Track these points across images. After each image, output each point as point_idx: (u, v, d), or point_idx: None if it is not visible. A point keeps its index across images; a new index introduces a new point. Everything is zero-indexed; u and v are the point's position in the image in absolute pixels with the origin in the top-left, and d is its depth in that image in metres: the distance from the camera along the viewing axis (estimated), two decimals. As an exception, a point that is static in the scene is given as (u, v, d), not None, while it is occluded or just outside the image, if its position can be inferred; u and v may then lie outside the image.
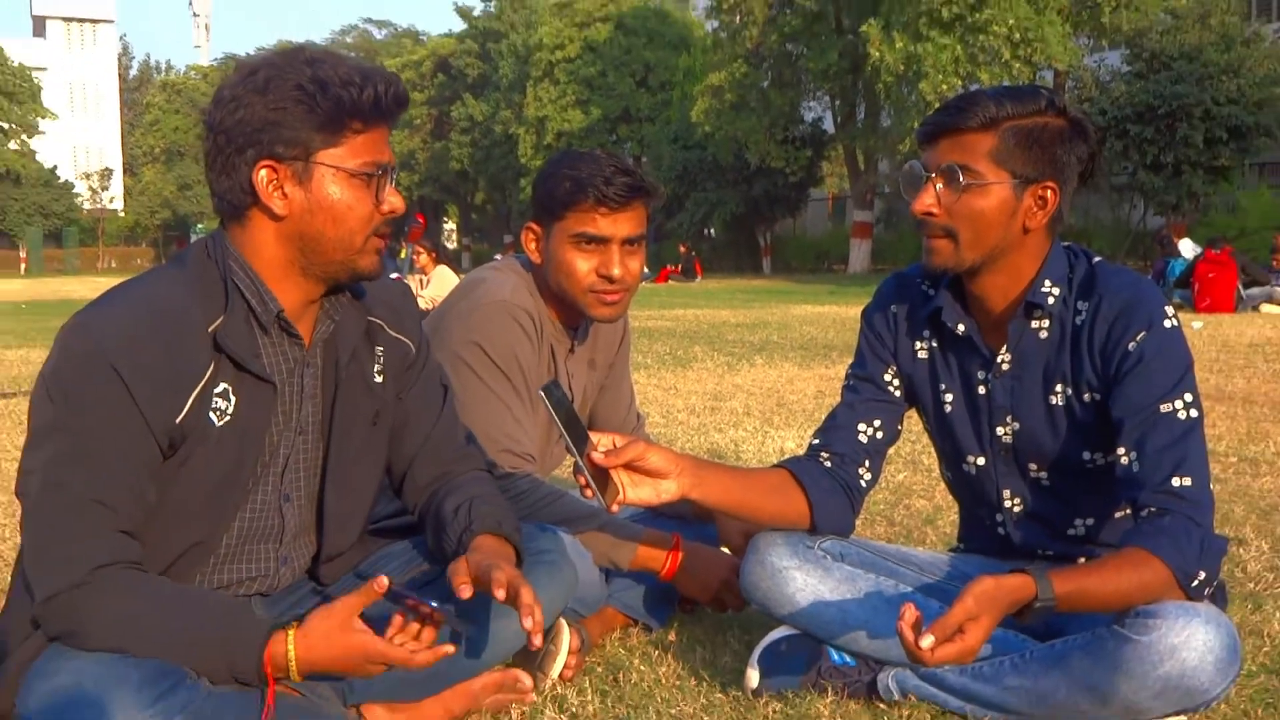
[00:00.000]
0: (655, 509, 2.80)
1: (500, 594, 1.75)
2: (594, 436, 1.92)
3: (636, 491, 1.97)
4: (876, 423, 2.26)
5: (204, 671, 1.71)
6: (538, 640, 1.77)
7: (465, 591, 1.77)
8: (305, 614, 1.74)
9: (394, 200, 1.83)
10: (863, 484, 2.27)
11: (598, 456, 1.89)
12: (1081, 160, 2.06)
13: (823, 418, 2.34)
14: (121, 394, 1.70)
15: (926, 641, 1.74)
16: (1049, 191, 2.04)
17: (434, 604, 1.73)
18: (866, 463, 2.26)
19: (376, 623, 1.74)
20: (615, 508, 1.91)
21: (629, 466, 1.94)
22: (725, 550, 2.63)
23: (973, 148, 2.01)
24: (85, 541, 1.69)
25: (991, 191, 2.02)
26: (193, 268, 1.82)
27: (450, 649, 1.76)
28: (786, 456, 2.33)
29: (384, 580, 1.70)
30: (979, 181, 2.01)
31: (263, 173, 1.76)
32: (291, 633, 1.71)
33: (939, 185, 2.04)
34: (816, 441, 2.28)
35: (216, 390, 1.79)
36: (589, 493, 1.90)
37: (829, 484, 2.22)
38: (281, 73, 1.74)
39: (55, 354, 1.74)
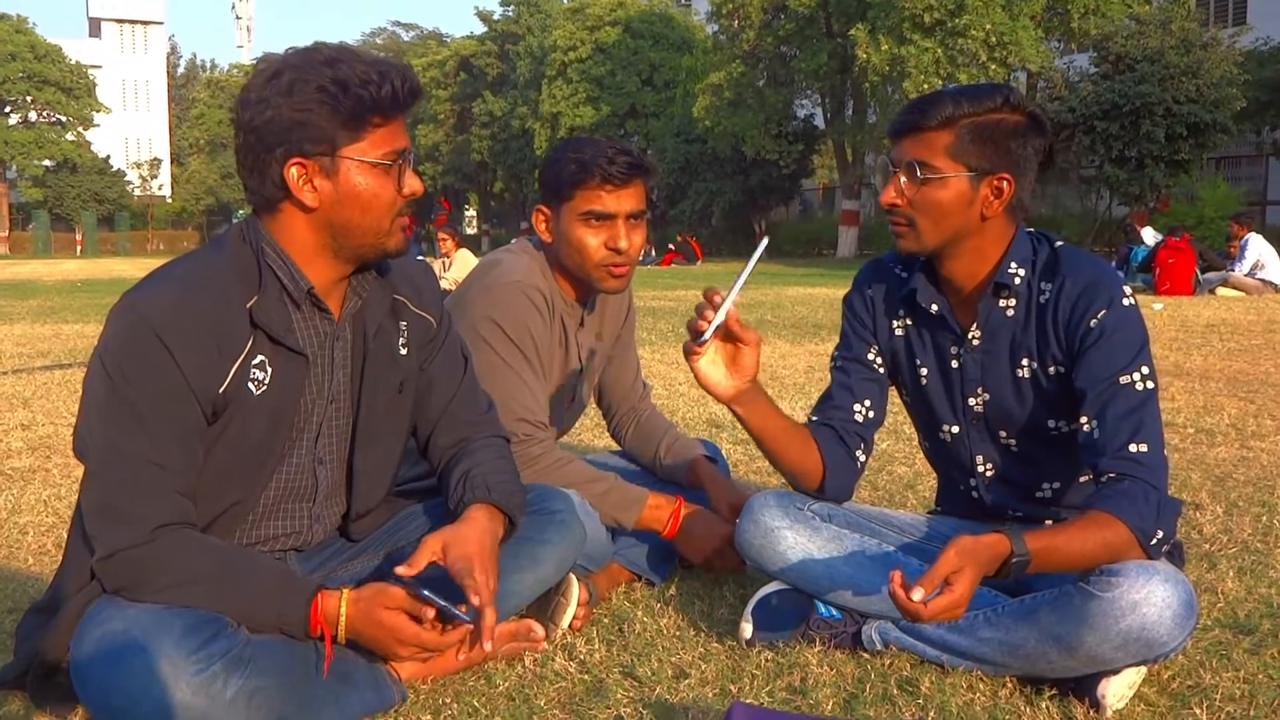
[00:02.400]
0: (657, 475, 2.81)
1: (475, 600, 1.78)
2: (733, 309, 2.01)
3: (712, 370, 2.05)
4: (868, 402, 2.26)
5: (253, 623, 1.72)
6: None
7: (474, 599, 1.79)
8: (360, 581, 1.77)
9: (413, 183, 1.82)
10: (858, 465, 2.27)
11: (734, 312, 2.00)
12: (1039, 152, 2.05)
13: (812, 390, 2.32)
14: (169, 365, 1.70)
15: (917, 594, 1.73)
16: (1004, 182, 2.03)
17: (454, 609, 1.76)
18: (862, 444, 2.26)
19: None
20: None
21: (730, 338, 2.05)
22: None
23: (931, 144, 2.02)
24: (146, 503, 1.70)
25: (948, 184, 2.02)
26: (230, 250, 1.81)
27: (469, 627, 1.77)
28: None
29: (426, 600, 1.74)
30: (936, 175, 2.02)
31: (293, 169, 1.75)
32: (346, 593, 1.73)
33: (902, 179, 2.05)
34: (816, 419, 2.27)
35: (254, 362, 1.78)
36: (703, 325, 1.99)
37: (842, 454, 2.23)
38: (304, 74, 1.72)
39: (107, 332, 1.73)
